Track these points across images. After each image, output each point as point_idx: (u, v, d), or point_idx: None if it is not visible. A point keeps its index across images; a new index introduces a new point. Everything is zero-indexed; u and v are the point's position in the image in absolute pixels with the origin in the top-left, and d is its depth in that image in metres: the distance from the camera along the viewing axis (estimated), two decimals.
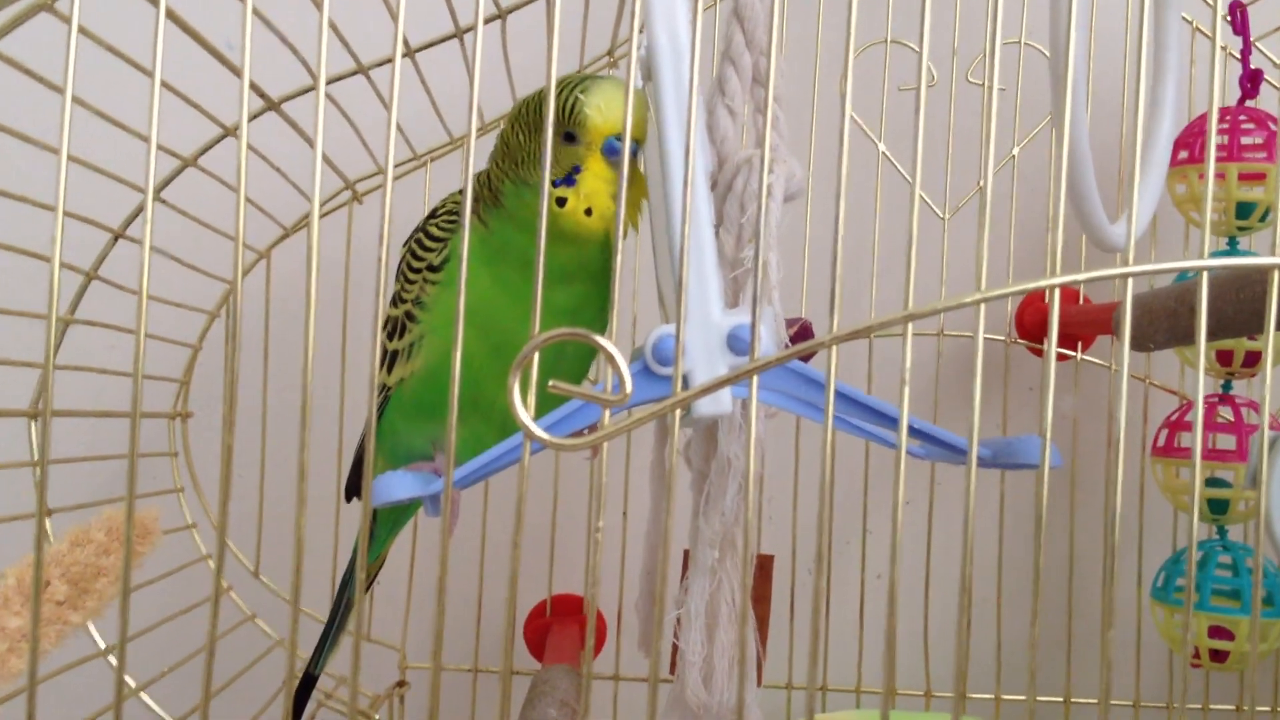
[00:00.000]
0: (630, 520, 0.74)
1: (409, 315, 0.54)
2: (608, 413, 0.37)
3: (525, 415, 0.35)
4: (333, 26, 0.51)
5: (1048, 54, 0.70)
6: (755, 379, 0.37)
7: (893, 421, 0.44)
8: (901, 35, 0.76)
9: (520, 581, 0.74)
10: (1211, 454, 0.68)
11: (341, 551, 0.69)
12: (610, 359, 0.35)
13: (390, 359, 0.55)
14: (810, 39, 0.73)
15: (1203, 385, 0.38)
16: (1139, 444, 0.73)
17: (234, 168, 0.58)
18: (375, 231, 0.71)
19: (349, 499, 0.61)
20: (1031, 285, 0.33)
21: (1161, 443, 0.70)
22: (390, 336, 0.55)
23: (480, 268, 0.51)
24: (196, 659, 0.62)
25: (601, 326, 0.56)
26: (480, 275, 0.51)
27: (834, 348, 0.36)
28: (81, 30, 0.38)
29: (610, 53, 0.74)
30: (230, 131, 0.58)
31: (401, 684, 0.72)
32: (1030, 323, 0.74)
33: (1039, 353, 0.75)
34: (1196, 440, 0.37)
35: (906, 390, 0.37)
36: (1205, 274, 0.35)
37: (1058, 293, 0.35)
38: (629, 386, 0.35)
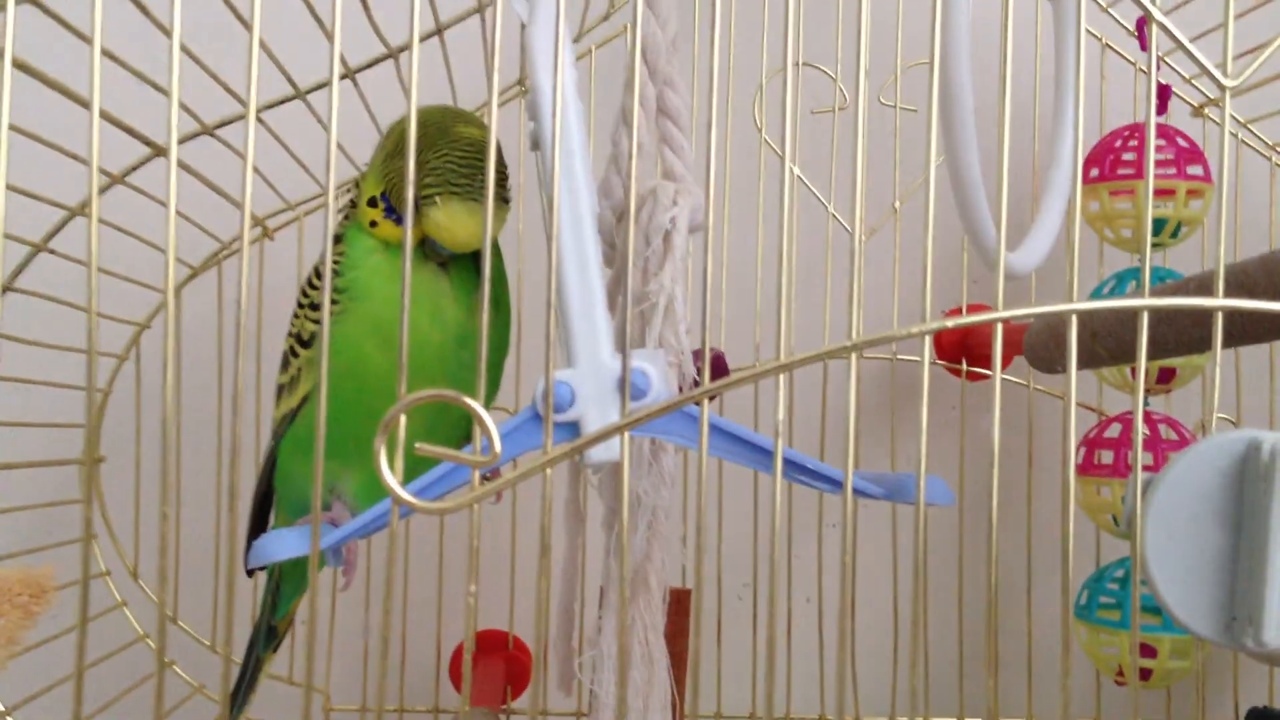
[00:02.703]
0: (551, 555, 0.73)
1: (293, 350, 0.53)
2: (477, 474, 0.36)
3: (392, 480, 0.35)
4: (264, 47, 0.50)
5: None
6: (626, 435, 0.37)
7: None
8: (812, 59, 0.75)
9: (444, 615, 0.74)
10: (1128, 470, 0.68)
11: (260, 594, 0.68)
12: (479, 420, 0.34)
13: (279, 393, 0.54)
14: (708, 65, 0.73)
15: (1075, 416, 0.37)
16: (1059, 462, 0.73)
17: (125, 212, 0.58)
18: (286, 268, 0.71)
19: (250, 574, 0.60)
20: (895, 334, 0.33)
21: (1080, 460, 0.70)
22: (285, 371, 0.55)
23: (386, 285, 0.51)
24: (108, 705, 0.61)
25: (503, 351, 0.55)
26: (386, 292, 0.50)
27: (705, 400, 0.36)
28: None
29: (521, 81, 0.73)
30: (118, 179, 0.57)
31: None
32: (948, 343, 0.74)
33: (957, 373, 0.75)
34: (1070, 475, 0.37)
35: (780, 441, 0.37)
36: (1074, 317, 0.35)
37: (927, 340, 0.34)
38: (498, 447, 0.35)
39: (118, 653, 0.69)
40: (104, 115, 0.40)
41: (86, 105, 0.37)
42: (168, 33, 0.36)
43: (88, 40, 0.36)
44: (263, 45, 0.37)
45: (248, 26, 0.37)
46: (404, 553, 0.74)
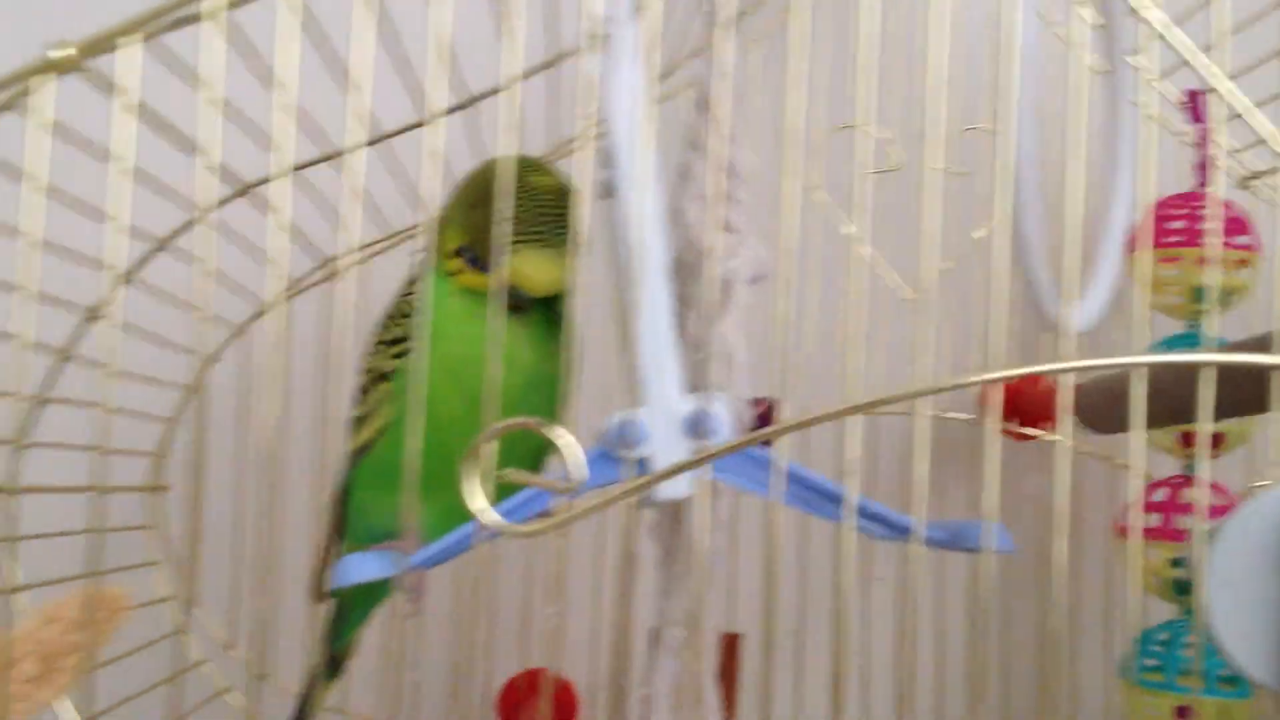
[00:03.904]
0: (604, 595, 0.74)
1: (371, 385, 0.55)
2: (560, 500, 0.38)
3: (482, 502, 0.36)
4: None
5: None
6: (705, 467, 0.38)
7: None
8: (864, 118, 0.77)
9: (494, 653, 0.75)
10: (1176, 534, 0.68)
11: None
12: (565, 448, 0.36)
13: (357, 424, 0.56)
14: (776, 121, 0.75)
15: (1134, 475, 0.39)
16: (1104, 524, 0.74)
17: (205, 247, 0.60)
18: (351, 310, 0.73)
19: (318, 600, 0.61)
20: (966, 381, 0.34)
21: (1126, 522, 0.71)
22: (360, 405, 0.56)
23: (462, 326, 0.52)
24: None
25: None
26: (461, 333, 0.52)
27: (782, 439, 0.38)
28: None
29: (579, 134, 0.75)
30: (201, 217, 0.59)
31: None
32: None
33: (1007, 432, 0.76)
34: (1137, 539, 0.38)
35: (854, 480, 0.38)
36: (1145, 370, 0.36)
37: (1000, 386, 0.36)
38: (585, 473, 0.36)
39: (175, 678, 0.70)
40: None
41: (196, 149, 0.40)
42: (281, 89, 0.39)
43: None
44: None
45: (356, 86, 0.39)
46: (448, 587, 0.75)
